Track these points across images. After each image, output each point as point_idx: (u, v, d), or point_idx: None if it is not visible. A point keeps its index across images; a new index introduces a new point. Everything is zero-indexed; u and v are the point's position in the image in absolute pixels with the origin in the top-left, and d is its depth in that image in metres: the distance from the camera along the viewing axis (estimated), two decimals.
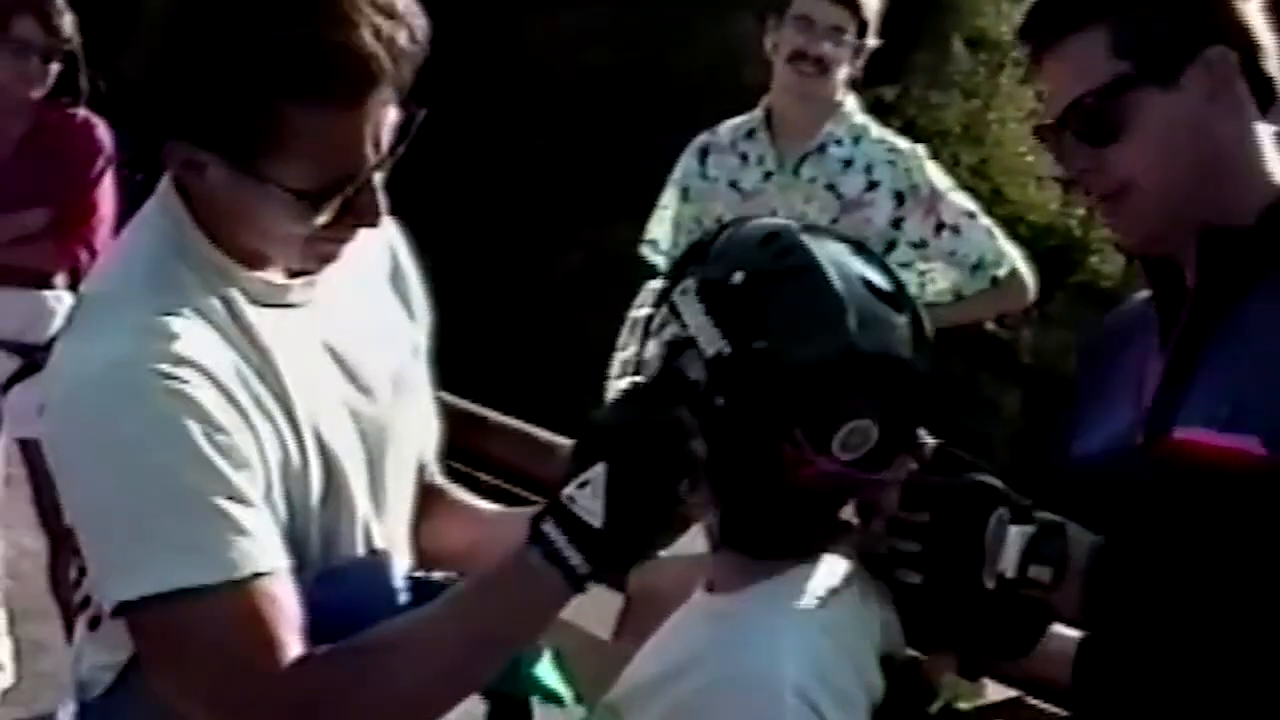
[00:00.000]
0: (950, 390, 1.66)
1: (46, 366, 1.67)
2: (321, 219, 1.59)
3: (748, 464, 1.58)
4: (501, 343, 10.77)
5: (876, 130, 3.85)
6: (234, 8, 1.53)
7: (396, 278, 1.85)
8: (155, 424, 1.53)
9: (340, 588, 1.63)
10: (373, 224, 1.64)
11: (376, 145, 1.58)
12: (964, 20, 13.84)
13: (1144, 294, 1.88)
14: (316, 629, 1.56)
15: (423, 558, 1.83)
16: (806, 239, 1.61)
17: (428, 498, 1.87)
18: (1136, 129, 1.71)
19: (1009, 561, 1.60)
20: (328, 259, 1.68)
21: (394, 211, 1.66)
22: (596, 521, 1.52)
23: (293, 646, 1.54)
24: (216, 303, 1.62)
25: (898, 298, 1.61)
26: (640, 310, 1.70)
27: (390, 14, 1.54)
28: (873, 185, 3.77)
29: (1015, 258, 3.84)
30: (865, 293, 1.58)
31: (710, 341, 1.56)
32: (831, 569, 1.64)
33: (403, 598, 1.68)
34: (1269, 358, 1.65)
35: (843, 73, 3.76)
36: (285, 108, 1.52)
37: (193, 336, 1.58)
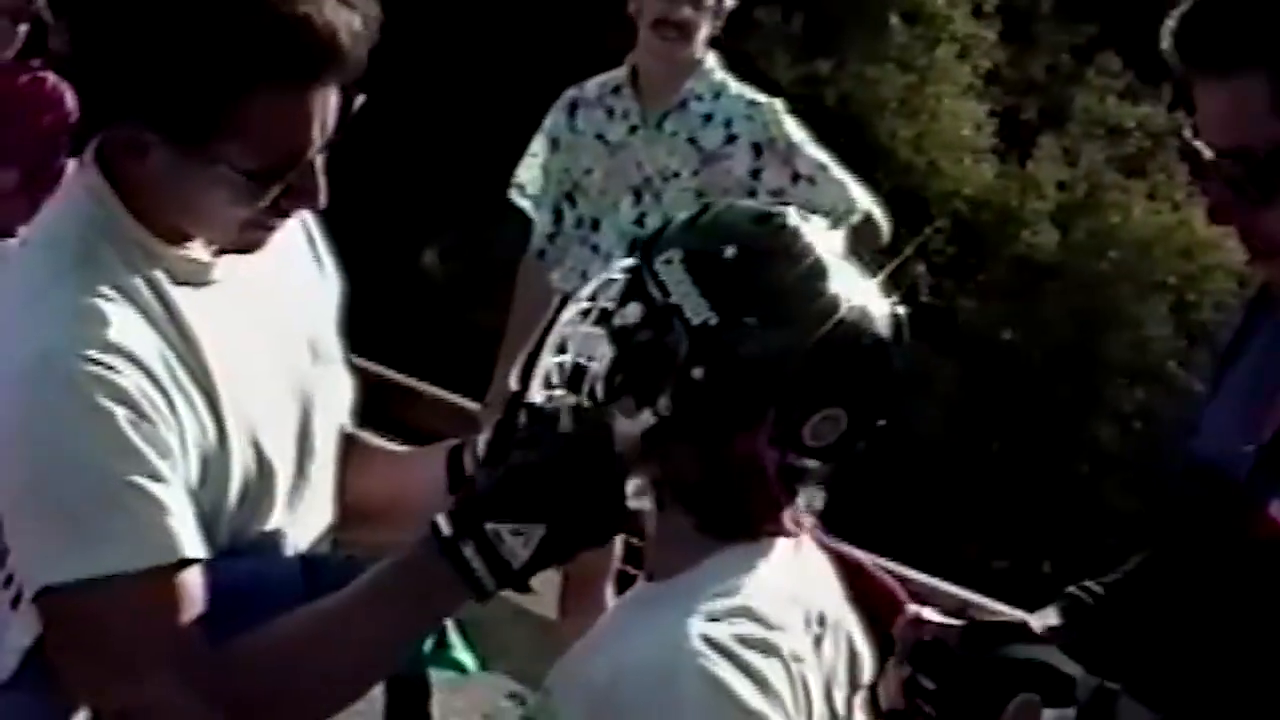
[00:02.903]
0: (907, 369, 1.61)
1: None
2: (265, 200, 1.59)
3: (714, 438, 1.56)
4: (431, 316, 10.75)
5: (736, 86, 3.99)
6: None
7: (312, 245, 1.86)
8: (84, 412, 1.53)
9: (236, 572, 1.64)
10: (313, 206, 1.65)
11: (323, 127, 1.59)
12: None
13: None
14: (212, 612, 1.58)
15: (345, 509, 1.85)
16: (798, 221, 1.59)
17: (345, 449, 1.88)
18: None
19: None
20: (257, 245, 1.68)
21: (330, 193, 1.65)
22: (517, 564, 1.56)
23: (202, 639, 1.56)
24: (141, 284, 1.62)
25: (882, 285, 1.59)
26: (581, 304, 1.65)
27: (345, 1, 1.56)
28: (732, 138, 3.92)
29: (868, 204, 3.97)
30: (855, 278, 1.57)
31: (696, 311, 1.53)
32: (777, 559, 1.62)
33: (297, 582, 1.69)
34: None
35: (703, 33, 3.91)
36: (246, 89, 1.53)
37: (120, 322, 1.57)
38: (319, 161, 1.61)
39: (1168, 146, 12.74)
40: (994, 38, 14.29)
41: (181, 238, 1.65)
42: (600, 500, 1.57)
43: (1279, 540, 1.52)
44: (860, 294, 1.56)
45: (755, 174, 3.88)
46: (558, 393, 1.66)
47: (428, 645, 1.78)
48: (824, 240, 1.60)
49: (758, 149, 3.88)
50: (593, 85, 4.06)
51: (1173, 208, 12.79)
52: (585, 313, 1.64)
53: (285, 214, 1.65)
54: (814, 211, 3.96)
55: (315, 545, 1.80)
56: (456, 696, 4.16)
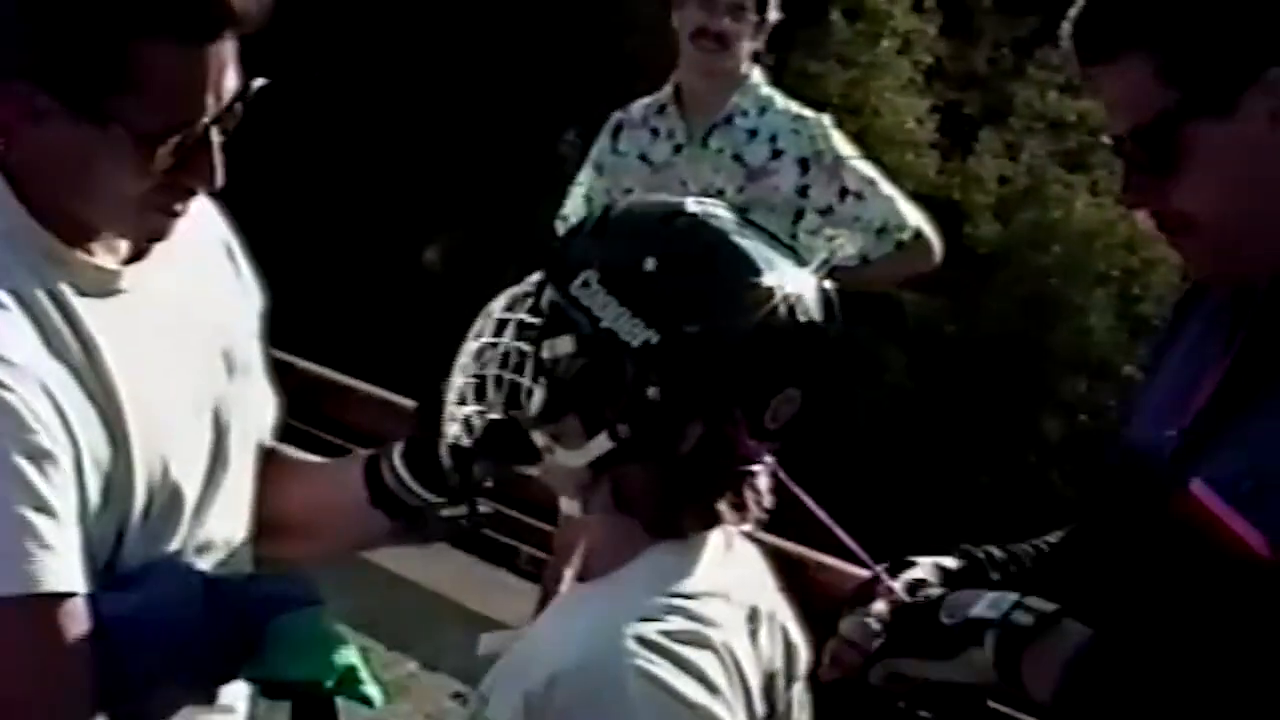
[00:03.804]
0: (853, 349, 1.61)
1: None
2: (158, 167, 1.53)
3: (683, 448, 1.53)
4: (370, 314, 10.72)
5: (781, 101, 3.95)
6: None
7: (231, 258, 1.82)
8: None
9: (126, 602, 1.58)
10: (209, 184, 1.59)
11: (218, 95, 1.54)
12: None
13: None
14: (112, 634, 1.54)
15: (263, 524, 1.81)
16: (702, 212, 1.56)
17: (264, 463, 1.83)
18: (1192, 163, 1.54)
19: (980, 606, 1.56)
20: (160, 232, 1.62)
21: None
22: None
23: (66, 678, 1.52)
24: (43, 295, 1.56)
25: (803, 260, 1.57)
26: (496, 315, 1.62)
27: None
28: (777, 154, 3.87)
29: (919, 221, 3.94)
30: (773, 255, 1.55)
31: (633, 333, 1.49)
32: (709, 555, 1.60)
33: (197, 605, 1.64)
34: None
35: (745, 47, 3.88)
36: (136, 42, 1.49)
37: (18, 335, 1.52)
38: (215, 138, 1.56)
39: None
40: (934, 32, 14.38)
41: (84, 238, 1.60)
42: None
43: (1197, 517, 1.54)
44: (784, 271, 1.54)
45: (802, 190, 3.82)
46: (472, 409, 1.63)
47: (331, 676, 1.69)
48: (728, 220, 1.57)
49: (804, 164, 3.83)
50: (638, 107, 4.02)
51: (1114, 201, 12.87)
52: (501, 325, 1.60)
53: (183, 196, 1.60)
54: (863, 228, 4.01)
55: (232, 558, 1.74)
56: (401, 697, 4.13)
